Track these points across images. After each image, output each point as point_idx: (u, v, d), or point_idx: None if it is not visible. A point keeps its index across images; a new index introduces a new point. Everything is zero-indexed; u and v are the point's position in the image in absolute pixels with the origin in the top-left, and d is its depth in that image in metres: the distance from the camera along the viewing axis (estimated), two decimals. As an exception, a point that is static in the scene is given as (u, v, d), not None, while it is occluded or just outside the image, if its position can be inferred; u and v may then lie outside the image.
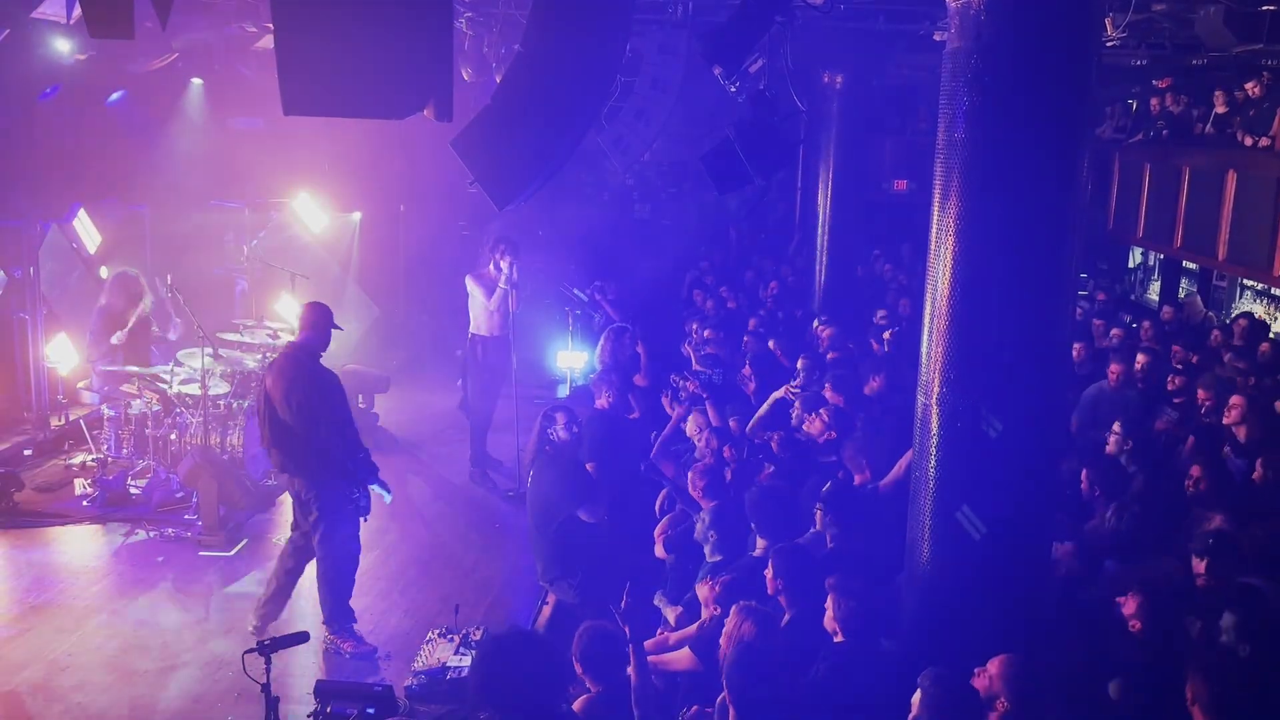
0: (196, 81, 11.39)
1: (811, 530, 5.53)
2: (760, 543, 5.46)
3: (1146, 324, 10.17)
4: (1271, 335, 9.86)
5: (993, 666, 3.85)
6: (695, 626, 5.12)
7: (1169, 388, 7.77)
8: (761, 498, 5.57)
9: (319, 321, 6.31)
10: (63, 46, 8.90)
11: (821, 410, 6.93)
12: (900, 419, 7.19)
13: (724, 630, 4.53)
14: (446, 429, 10.16)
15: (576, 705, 4.32)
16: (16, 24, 8.28)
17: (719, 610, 4.90)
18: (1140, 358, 8.01)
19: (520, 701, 3.65)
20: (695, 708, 4.57)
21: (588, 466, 6.99)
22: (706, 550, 5.66)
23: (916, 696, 3.88)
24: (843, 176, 11.61)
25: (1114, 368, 7.88)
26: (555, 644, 4.23)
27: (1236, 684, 3.73)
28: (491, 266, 9.21)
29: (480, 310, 9.28)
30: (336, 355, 12.01)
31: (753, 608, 4.50)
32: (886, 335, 9.39)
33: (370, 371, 11.08)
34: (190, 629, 6.61)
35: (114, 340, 9.12)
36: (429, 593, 7.20)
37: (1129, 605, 4.41)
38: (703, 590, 5.14)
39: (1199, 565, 4.71)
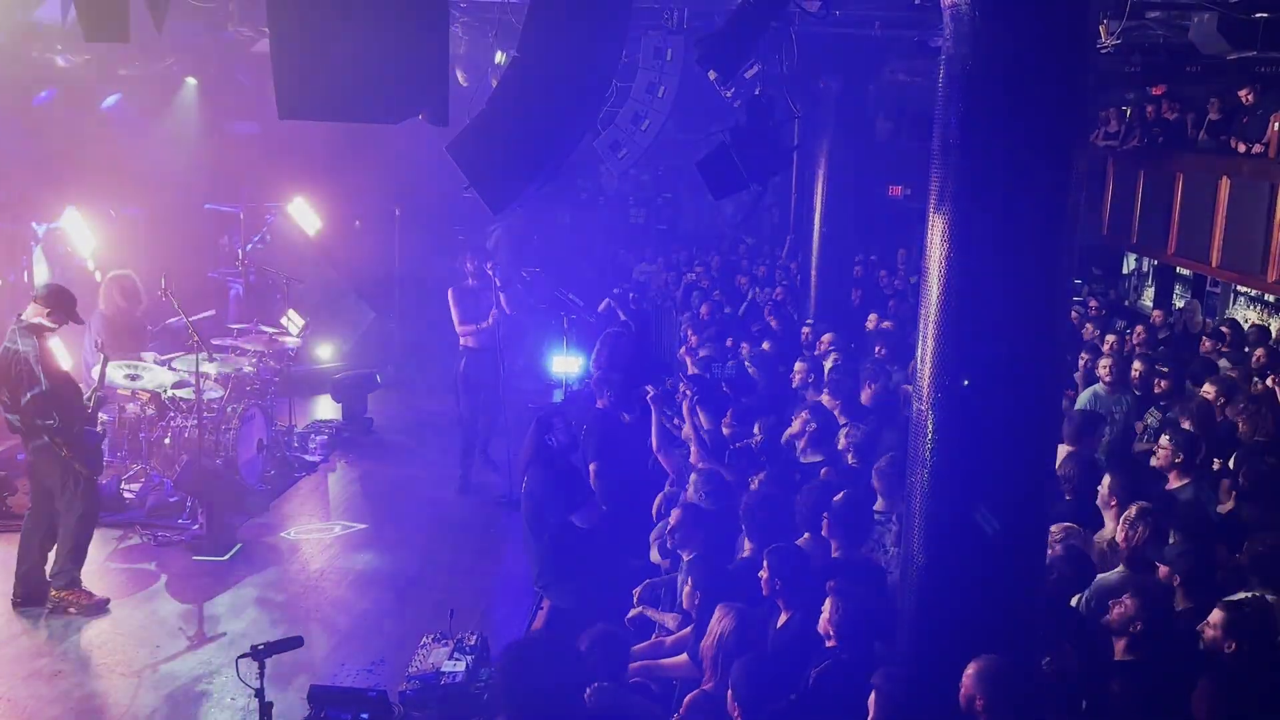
0: (191, 81, 11.38)
1: (808, 535, 5.53)
2: (748, 545, 5.48)
3: (1140, 329, 10.21)
4: (1272, 341, 9.89)
5: (969, 668, 3.85)
6: (690, 629, 5.13)
7: (1155, 391, 7.78)
8: (754, 505, 5.58)
9: (67, 304, 6.87)
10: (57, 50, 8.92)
11: (809, 415, 6.96)
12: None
13: (708, 630, 4.57)
14: (441, 433, 10.15)
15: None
16: (12, 28, 8.28)
17: (698, 598, 4.97)
18: (1136, 365, 8.04)
19: (537, 707, 3.66)
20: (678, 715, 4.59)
21: (590, 467, 7.00)
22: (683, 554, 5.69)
23: (871, 698, 3.88)
24: (837, 182, 11.62)
25: (1105, 362, 7.91)
26: (581, 654, 4.24)
27: (1246, 694, 3.72)
28: (470, 279, 9.31)
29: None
30: (332, 358, 12.09)
31: (731, 604, 4.54)
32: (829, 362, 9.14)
33: (361, 372, 11.06)
34: (183, 634, 6.60)
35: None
36: (423, 597, 7.19)
37: (1125, 609, 4.42)
38: (685, 589, 5.18)
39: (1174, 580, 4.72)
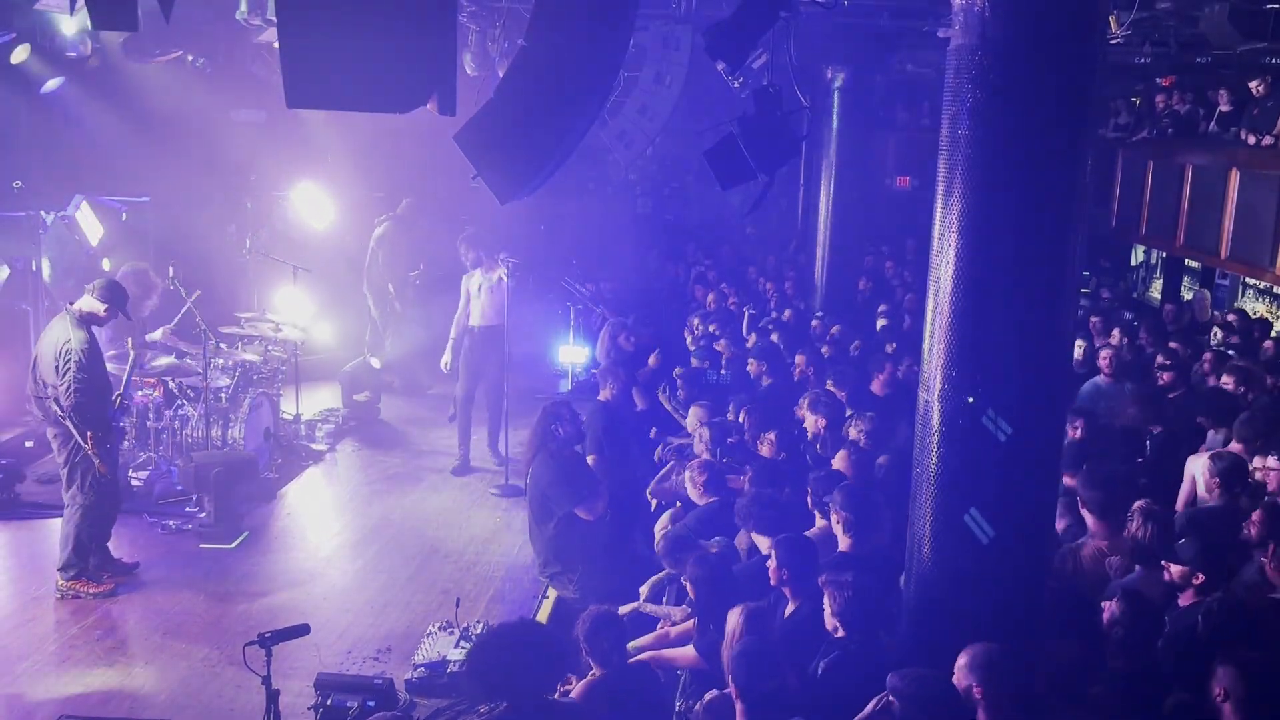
0: (199, 63, 11.37)
1: (819, 526, 5.54)
2: (765, 542, 5.48)
3: (1149, 323, 10.19)
4: (1274, 334, 9.87)
5: (960, 658, 3.85)
6: (695, 622, 5.13)
7: (1160, 383, 7.76)
8: (753, 503, 5.57)
9: (122, 299, 6.90)
10: (69, 30, 8.92)
11: (820, 410, 6.97)
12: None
13: (726, 635, 4.57)
14: (448, 422, 10.17)
15: (578, 690, 4.34)
16: (21, 16, 8.30)
17: (700, 593, 4.95)
18: (1158, 358, 8.04)
19: (512, 687, 3.67)
20: (683, 703, 4.61)
21: (589, 459, 7.01)
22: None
23: (878, 700, 3.86)
24: (845, 172, 11.59)
25: (1105, 353, 7.93)
26: (551, 632, 4.26)
27: (1270, 680, 3.70)
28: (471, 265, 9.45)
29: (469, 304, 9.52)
30: (338, 350, 12.09)
31: (743, 605, 4.55)
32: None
33: (368, 360, 11.06)
34: (190, 621, 6.63)
35: (158, 335, 9.06)
36: (429, 587, 7.21)
37: (1112, 609, 4.40)
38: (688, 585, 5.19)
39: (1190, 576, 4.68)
